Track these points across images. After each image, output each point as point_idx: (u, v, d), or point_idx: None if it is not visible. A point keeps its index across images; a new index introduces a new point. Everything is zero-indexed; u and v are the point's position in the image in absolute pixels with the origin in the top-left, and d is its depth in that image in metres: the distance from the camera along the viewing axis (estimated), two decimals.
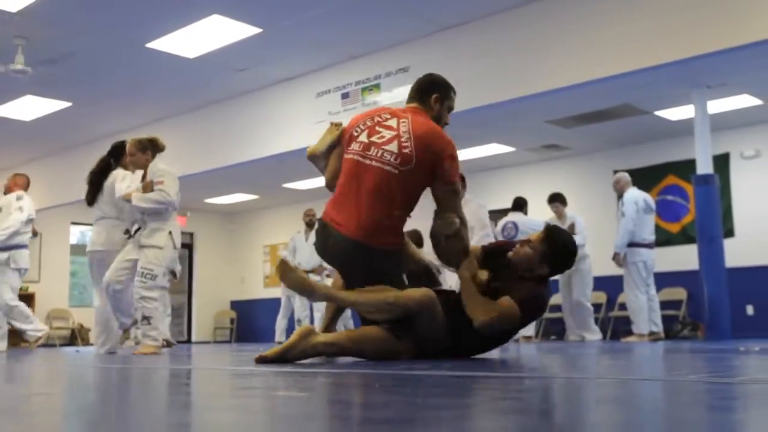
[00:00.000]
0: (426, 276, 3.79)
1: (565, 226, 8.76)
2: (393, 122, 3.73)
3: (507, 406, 1.46)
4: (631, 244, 8.48)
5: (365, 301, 3.40)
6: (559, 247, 3.57)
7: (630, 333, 8.71)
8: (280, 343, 9.98)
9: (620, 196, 8.79)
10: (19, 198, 7.84)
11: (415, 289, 3.44)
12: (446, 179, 3.62)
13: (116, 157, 6.48)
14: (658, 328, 8.52)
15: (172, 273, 6.11)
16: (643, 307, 8.40)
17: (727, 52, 6.66)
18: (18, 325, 7.63)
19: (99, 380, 2.71)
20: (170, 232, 5.89)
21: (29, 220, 7.80)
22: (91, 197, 6.39)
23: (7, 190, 8.07)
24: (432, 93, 3.93)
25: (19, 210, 7.68)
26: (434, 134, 3.70)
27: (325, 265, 9.83)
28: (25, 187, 8.09)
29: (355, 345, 3.39)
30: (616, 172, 11.34)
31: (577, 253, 3.70)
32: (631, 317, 8.58)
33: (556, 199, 9.19)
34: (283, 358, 3.25)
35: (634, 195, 8.64)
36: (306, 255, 9.91)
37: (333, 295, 3.60)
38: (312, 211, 10.17)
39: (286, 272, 3.42)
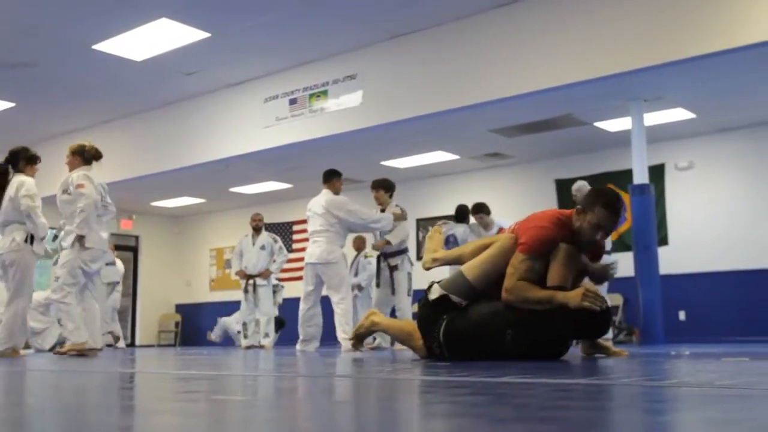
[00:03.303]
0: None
1: (492, 234, 8.88)
2: None
3: (446, 409, 1.55)
4: None
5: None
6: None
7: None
8: (248, 348, 9.80)
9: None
10: None
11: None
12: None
13: (14, 163, 6.49)
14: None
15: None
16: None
17: (663, 67, 6.94)
18: None
19: (37, 384, 2.72)
20: (79, 235, 5.97)
21: None
22: None
23: None
24: (577, 204, 4.04)
25: None
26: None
27: (272, 268, 9.88)
28: None
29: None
30: (557, 180, 11.65)
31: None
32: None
33: (481, 210, 9.06)
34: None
35: None
36: (253, 259, 9.88)
37: None
38: (259, 215, 10.14)
39: None
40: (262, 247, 9.92)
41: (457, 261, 4.27)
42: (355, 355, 5.34)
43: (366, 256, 10.24)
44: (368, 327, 4.59)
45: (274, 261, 9.93)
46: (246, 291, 9.85)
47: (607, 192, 3.98)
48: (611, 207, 3.84)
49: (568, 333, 3.85)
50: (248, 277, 9.84)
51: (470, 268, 3.94)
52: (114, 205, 6.47)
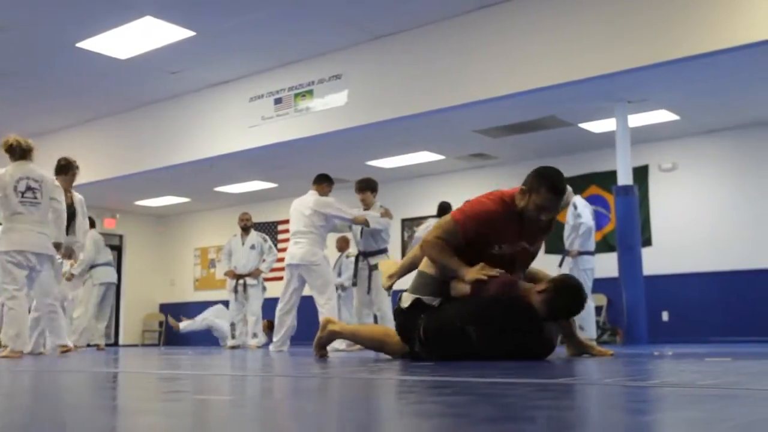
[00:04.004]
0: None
1: None
2: None
3: (426, 408, 1.56)
4: (582, 252, 8.57)
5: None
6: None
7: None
8: (233, 348, 9.73)
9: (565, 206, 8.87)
10: None
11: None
12: None
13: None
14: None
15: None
16: (591, 312, 8.51)
17: (646, 69, 6.98)
18: None
19: (18, 384, 2.70)
20: None
21: None
22: None
23: None
24: (524, 184, 3.93)
25: None
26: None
27: (262, 267, 9.85)
28: None
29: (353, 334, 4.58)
30: None
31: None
32: (580, 324, 8.54)
33: (448, 210, 9.18)
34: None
35: (584, 201, 8.78)
36: (242, 259, 9.85)
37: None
38: (247, 215, 10.10)
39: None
40: (252, 247, 9.90)
41: (414, 264, 4.31)
42: (339, 355, 5.33)
43: (348, 256, 10.25)
44: (327, 337, 4.46)
45: (264, 260, 9.91)
46: (236, 291, 9.82)
47: (551, 173, 3.89)
48: (555, 189, 3.83)
49: (534, 322, 3.76)
50: (238, 276, 9.80)
51: (426, 262, 4.02)
52: (59, 202, 6.32)
